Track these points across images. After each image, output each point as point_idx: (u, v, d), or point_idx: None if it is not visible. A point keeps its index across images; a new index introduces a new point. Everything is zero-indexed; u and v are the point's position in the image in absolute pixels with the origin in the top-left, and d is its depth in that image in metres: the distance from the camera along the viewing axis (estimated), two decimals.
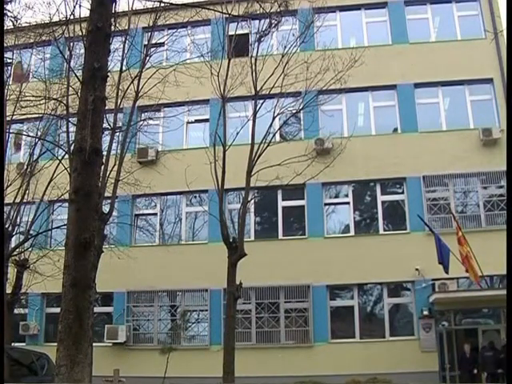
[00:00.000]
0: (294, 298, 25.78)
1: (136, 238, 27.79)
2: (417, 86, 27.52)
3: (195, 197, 27.75)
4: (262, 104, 21.76)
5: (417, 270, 24.81)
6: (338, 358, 24.10)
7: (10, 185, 21.93)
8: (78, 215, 7.84)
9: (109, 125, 20.03)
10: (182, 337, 26.27)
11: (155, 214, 28.32)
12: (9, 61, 24.60)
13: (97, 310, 23.25)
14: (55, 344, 7.58)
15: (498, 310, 25.28)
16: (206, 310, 26.28)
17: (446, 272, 22.95)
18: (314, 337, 25.15)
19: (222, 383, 18.64)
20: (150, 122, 25.31)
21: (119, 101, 20.88)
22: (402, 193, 26.94)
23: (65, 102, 21.18)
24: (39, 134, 24.25)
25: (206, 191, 25.67)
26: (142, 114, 26.31)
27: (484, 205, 26.36)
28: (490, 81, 27.19)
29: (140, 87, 21.33)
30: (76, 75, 19.32)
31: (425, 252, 24.06)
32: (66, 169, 20.35)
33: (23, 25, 21.09)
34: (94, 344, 16.99)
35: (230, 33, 23.85)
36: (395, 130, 27.64)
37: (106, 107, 9.06)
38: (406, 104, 27.30)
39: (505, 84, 26.94)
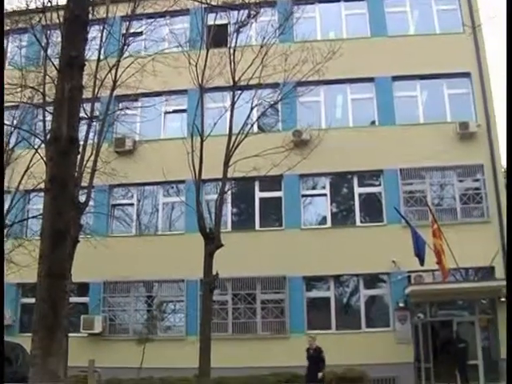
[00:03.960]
0: (270, 289, 25.83)
1: (112, 228, 27.65)
2: (395, 78, 27.59)
3: (172, 187, 27.65)
4: (240, 95, 21.78)
5: (393, 262, 24.94)
6: None
7: None
8: (53, 204, 7.77)
9: (86, 114, 19.92)
10: (158, 327, 26.22)
11: (132, 204, 28.18)
12: None
13: (72, 300, 23.08)
14: (30, 334, 7.51)
15: (472, 302, 25.59)
16: (183, 301, 26.24)
17: (422, 264, 23.09)
18: (291, 328, 25.23)
19: (198, 374, 18.65)
20: (128, 111, 25.20)
21: (96, 90, 20.77)
22: (379, 185, 27.05)
23: (41, 90, 21.00)
24: (15, 122, 24.02)
25: (183, 181, 25.58)
26: (120, 104, 26.12)
27: (460, 198, 26.55)
28: (467, 75, 27.33)
29: (118, 76, 21.23)
30: (53, 63, 19.19)
31: (401, 244, 24.16)
32: (42, 158, 20.21)
33: None
34: (69, 334, 17.00)
35: (209, 23, 23.77)
36: (373, 122, 27.74)
37: (83, 96, 9.01)
38: (384, 97, 27.37)
39: (482, 78, 27.23)
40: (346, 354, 23.42)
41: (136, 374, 19.59)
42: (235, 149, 20.85)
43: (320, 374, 18.66)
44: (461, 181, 26.98)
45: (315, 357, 19.04)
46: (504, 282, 24.40)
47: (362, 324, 25.44)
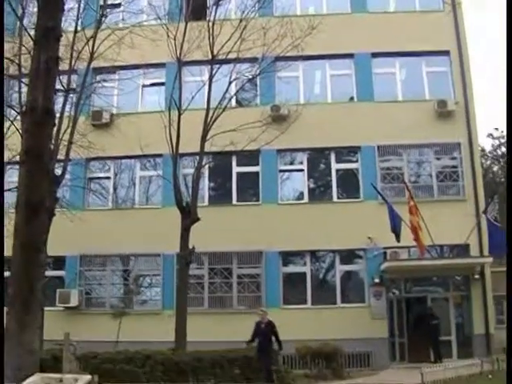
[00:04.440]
0: (246, 263, 25.91)
1: (89, 201, 27.45)
2: (374, 55, 27.57)
3: (149, 161, 27.49)
4: (219, 69, 21.66)
5: (369, 238, 25.09)
6: (289, 324, 24.21)
7: None
8: (28, 177, 7.72)
9: (62, 86, 19.71)
10: (135, 301, 26.27)
11: (109, 178, 28.01)
12: None
13: (48, 273, 22.90)
14: (5, 308, 7.47)
15: (447, 279, 25.90)
16: (159, 275, 26.24)
17: (398, 240, 23.29)
18: (266, 302, 25.30)
19: (174, 347, 18.70)
20: (105, 84, 24.98)
21: (73, 62, 20.53)
22: (356, 161, 27.12)
23: (17, 61, 20.71)
24: None
25: (160, 155, 25.44)
26: (97, 76, 25.89)
27: (437, 175, 26.72)
28: (446, 53, 27.36)
29: (95, 48, 20.99)
30: (29, 34, 18.89)
31: (377, 220, 24.30)
32: (17, 130, 19.97)
33: None
34: (45, 308, 16.99)
35: None
36: (351, 98, 27.73)
37: (60, 68, 8.91)
38: (363, 73, 27.36)
39: (461, 56, 27.31)
40: (321, 329, 23.61)
41: (112, 347, 19.57)
42: (213, 123, 20.78)
43: (275, 349, 17.97)
44: (438, 158, 27.12)
45: (267, 332, 17.89)
46: (478, 260, 24.78)
47: (337, 299, 25.62)
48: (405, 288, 26.47)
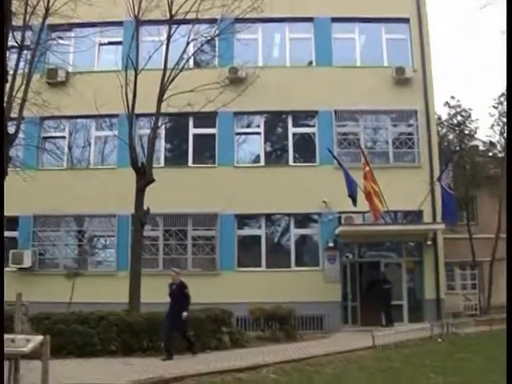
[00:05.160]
0: (201, 225, 25.92)
1: (43, 161, 27.05)
2: (334, 20, 27.48)
3: (105, 121, 27.07)
4: (177, 29, 21.35)
5: (324, 202, 25.26)
6: (243, 286, 24.46)
7: None
8: None
9: (16, 42, 19.22)
10: (89, 262, 26.14)
11: (63, 137, 27.59)
12: None
13: None
14: None
15: (400, 245, 26.27)
16: (114, 236, 26.12)
17: (355, 205, 23.51)
18: (221, 265, 25.44)
19: (128, 309, 18.68)
20: (61, 41, 24.41)
21: (28, 17, 20.01)
22: (313, 126, 27.18)
23: None
24: None
25: (116, 115, 25.08)
26: (52, 33, 25.30)
27: (393, 142, 26.96)
28: (406, 21, 27.48)
29: (50, 4, 20.46)
30: None
31: (332, 185, 24.48)
32: None
33: None
34: None
35: None
36: (310, 63, 27.66)
37: (14, 23, 8.67)
38: (322, 38, 27.30)
39: (421, 24, 27.48)
40: (275, 292, 23.80)
41: (66, 308, 19.46)
42: (170, 83, 20.56)
43: (184, 314, 16.50)
44: (394, 125, 27.35)
45: (178, 293, 16.88)
46: (431, 226, 25.16)
47: (291, 263, 25.82)
48: (358, 252, 26.82)
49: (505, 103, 33.40)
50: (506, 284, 6.04)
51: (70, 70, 26.55)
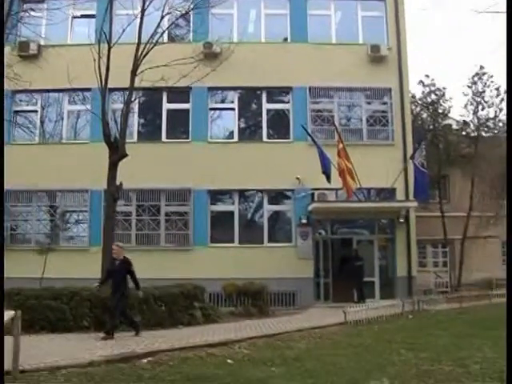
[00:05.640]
0: (174, 201, 25.83)
1: (15, 135, 26.75)
2: None
3: (78, 95, 26.75)
4: (151, 2, 21.08)
5: (297, 178, 25.30)
6: (216, 262, 24.50)
7: None
8: None
9: None
10: (61, 237, 25.98)
11: (36, 111, 27.26)
12: None
13: None
14: None
15: (373, 222, 26.45)
16: (86, 211, 25.96)
17: (329, 182, 23.59)
18: (194, 240, 25.44)
19: (100, 284, 18.60)
20: (33, 13, 24.04)
21: None
22: (288, 102, 27.15)
23: None
24: None
25: (89, 89, 24.73)
26: (24, 5, 24.98)
27: (367, 120, 27.03)
28: None
29: None
30: None
31: (306, 162, 24.53)
32: None
33: None
34: None
35: None
36: (285, 39, 27.54)
37: None
38: (298, 14, 27.16)
39: (397, 2, 27.35)
40: (247, 268, 23.88)
41: (38, 284, 19.35)
42: (143, 58, 20.33)
43: (140, 293, 16.10)
44: (368, 103, 27.39)
45: (120, 270, 15.84)
46: (404, 204, 25.32)
47: (264, 239, 25.88)
48: (331, 229, 26.95)
49: (479, 83, 33.67)
50: (506, 285, 6.06)
51: (43, 42, 26.20)
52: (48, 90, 26.66)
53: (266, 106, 27.04)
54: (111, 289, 15.89)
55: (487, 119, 33.75)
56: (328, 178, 23.61)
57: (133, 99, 21.54)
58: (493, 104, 33.54)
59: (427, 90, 34.05)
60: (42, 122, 27.32)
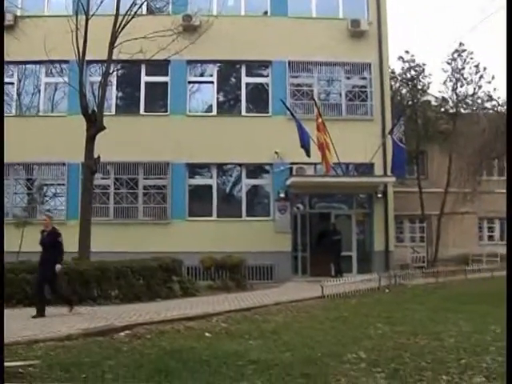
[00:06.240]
0: (153, 174, 25.77)
1: None
2: None
3: (55, 67, 26.54)
4: None
5: (276, 153, 25.31)
6: (194, 236, 24.52)
7: None
8: None
9: None
10: (38, 211, 25.78)
11: (12, 84, 26.92)
12: None
13: None
14: None
15: (351, 196, 26.58)
16: (64, 184, 25.80)
17: (308, 156, 23.64)
18: (172, 214, 25.42)
19: (77, 258, 18.54)
20: None
21: None
22: (267, 76, 27.07)
23: None
24: None
25: (67, 61, 24.55)
26: None
27: (346, 94, 27.04)
28: None
29: None
30: None
31: (285, 136, 24.54)
32: None
33: None
34: None
35: None
36: (265, 12, 27.36)
37: None
38: None
39: None
40: (225, 242, 23.94)
41: (15, 257, 19.24)
42: (122, 29, 20.11)
43: (58, 267, 14.48)
44: (348, 78, 27.39)
45: (49, 241, 14.71)
46: (382, 179, 25.42)
47: (242, 213, 25.93)
48: (309, 203, 27.04)
49: (458, 60, 33.72)
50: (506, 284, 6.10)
51: (19, 13, 25.77)
52: (25, 62, 26.35)
53: (245, 79, 26.95)
54: (39, 261, 14.91)
55: (466, 96, 33.87)
56: (307, 153, 23.63)
57: (111, 72, 21.34)
58: (472, 81, 33.68)
59: (407, 65, 34.09)
60: (18, 95, 27.04)
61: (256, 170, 26.79)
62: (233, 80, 27.47)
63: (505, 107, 28.65)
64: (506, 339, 7.13)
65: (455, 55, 33.68)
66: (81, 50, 19.74)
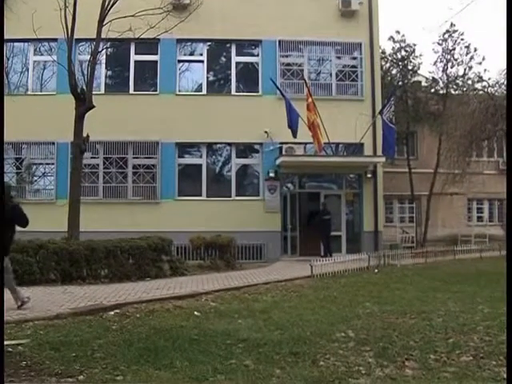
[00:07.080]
0: (142, 153, 25.66)
1: None
2: None
3: (44, 45, 26.34)
4: None
5: (266, 132, 25.27)
6: (184, 215, 24.53)
7: None
8: None
9: None
10: (27, 190, 25.68)
11: None
12: None
13: None
14: None
15: (340, 176, 26.61)
16: (53, 164, 25.66)
17: (294, 136, 23.58)
18: (161, 193, 25.36)
19: (66, 237, 18.50)
20: None
21: None
22: (257, 55, 26.94)
23: None
24: None
25: (55, 40, 24.36)
26: None
27: (336, 74, 26.95)
28: None
29: None
30: None
31: (275, 115, 24.51)
32: None
33: None
34: None
35: None
36: None
37: None
38: None
39: None
40: (215, 221, 23.99)
41: None
42: (111, 7, 19.92)
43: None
44: (338, 57, 27.29)
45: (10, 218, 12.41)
46: (371, 159, 25.47)
47: (232, 192, 25.92)
48: (299, 183, 27.08)
49: (449, 40, 33.62)
50: (506, 284, 6.09)
51: None
52: (12, 40, 26.00)
53: (235, 58, 26.82)
54: None
55: (456, 77, 33.79)
56: (294, 133, 23.60)
57: (100, 50, 21.15)
58: (462, 62, 33.60)
59: (397, 46, 33.97)
60: (6, 73, 26.79)
61: (246, 150, 26.75)
62: (223, 59, 27.34)
63: (495, 88, 28.62)
64: (506, 341, 7.18)
65: (446, 36, 33.58)
66: (69, 28, 19.56)
